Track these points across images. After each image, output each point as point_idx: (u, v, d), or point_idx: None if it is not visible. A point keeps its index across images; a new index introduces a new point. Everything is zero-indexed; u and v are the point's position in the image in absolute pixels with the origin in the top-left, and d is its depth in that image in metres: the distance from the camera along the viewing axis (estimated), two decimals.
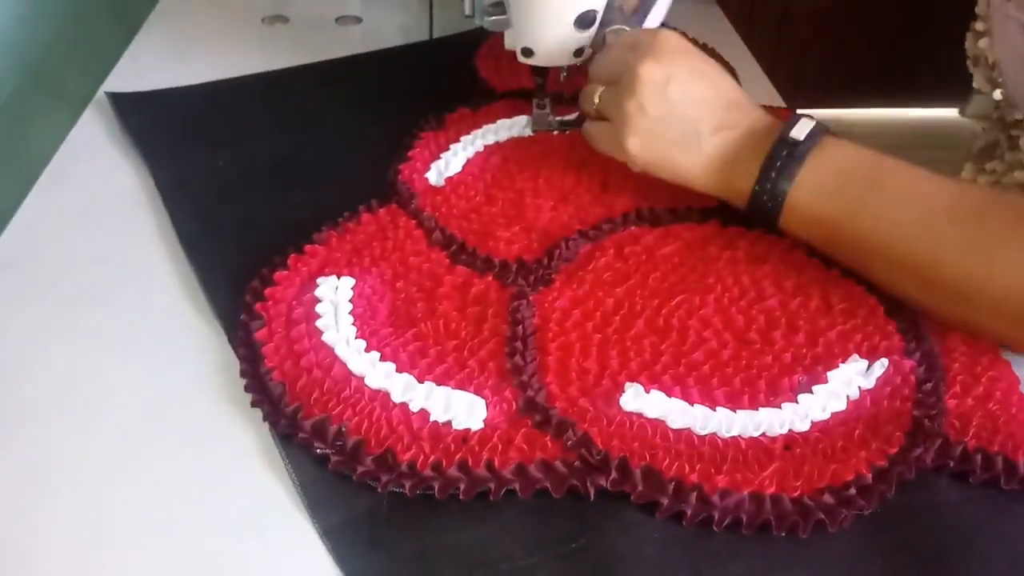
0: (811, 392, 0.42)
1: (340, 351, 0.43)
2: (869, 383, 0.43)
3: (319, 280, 0.47)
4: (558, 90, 0.60)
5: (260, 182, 0.57)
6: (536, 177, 0.56)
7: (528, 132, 0.61)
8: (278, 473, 0.40)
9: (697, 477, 0.38)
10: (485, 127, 0.60)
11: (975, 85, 0.63)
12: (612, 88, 0.51)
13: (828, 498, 0.38)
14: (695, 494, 0.38)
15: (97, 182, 0.58)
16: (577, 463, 0.39)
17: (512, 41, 0.57)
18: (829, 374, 0.43)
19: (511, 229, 0.52)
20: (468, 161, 0.58)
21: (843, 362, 0.44)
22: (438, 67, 0.69)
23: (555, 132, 0.60)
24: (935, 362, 0.43)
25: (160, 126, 0.62)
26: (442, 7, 0.80)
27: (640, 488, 0.38)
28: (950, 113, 0.71)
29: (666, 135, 0.49)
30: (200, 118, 0.63)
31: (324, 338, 0.44)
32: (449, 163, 0.57)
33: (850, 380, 0.43)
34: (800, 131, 0.46)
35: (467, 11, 0.60)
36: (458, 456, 0.39)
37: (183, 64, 0.70)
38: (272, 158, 0.60)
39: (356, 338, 0.44)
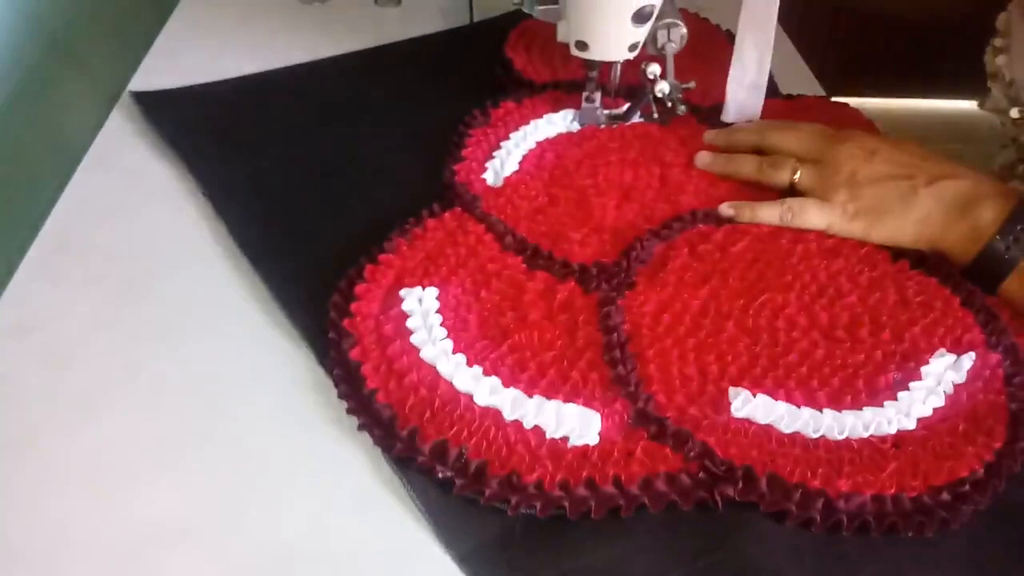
0: (908, 389, 0.43)
1: (442, 368, 0.42)
2: (960, 377, 0.44)
3: (402, 293, 0.46)
4: (604, 82, 0.59)
5: (309, 184, 0.55)
6: (595, 174, 0.55)
7: (576, 126, 0.59)
8: (397, 496, 0.39)
9: (820, 482, 0.39)
10: (533, 122, 0.59)
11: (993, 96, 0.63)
12: (812, 165, 0.51)
13: (946, 496, 0.39)
14: (821, 500, 0.38)
15: (139, 169, 0.56)
16: (701, 474, 0.39)
17: (565, 33, 0.56)
18: (923, 370, 0.44)
19: (581, 230, 0.51)
20: (523, 158, 0.56)
21: (931, 357, 0.45)
22: (478, 55, 0.67)
23: (603, 126, 0.59)
24: (1018, 354, 0.45)
25: (194, 126, 0.59)
26: None
27: (767, 497, 0.38)
28: (971, 105, 0.72)
29: (879, 199, 0.49)
30: (235, 116, 0.60)
31: (423, 355, 0.43)
32: (504, 163, 0.55)
33: (942, 375, 0.44)
34: None
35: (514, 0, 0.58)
36: (584, 473, 0.38)
37: (218, 48, 0.68)
38: (316, 157, 0.57)
39: (454, 352, 0.43)
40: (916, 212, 0.48)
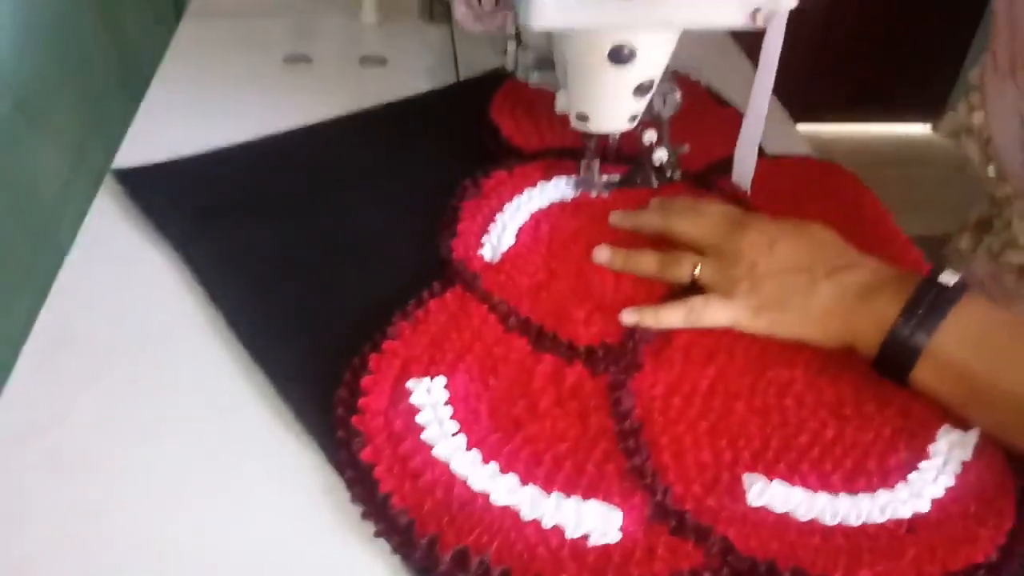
0: (918, 468, 0.43)
1: (457, 466, 0.41)
2: (967, 454, 0.44)
3: (410, 384, 0.45)
4: (603, 148, 0.59)
5: (301, 262, 0.54)
6: (590, 246, 0.55)
7: (570, 194, 0.59)
8: None
9: (842, 574, 0.39)
10: (527, 191, 0.59)
11: (968, 154, 0.64)
12: (712, 259, 0.50)
13: None
14: None
15: (130, 255, 0.54)
16: (725, 570, 0.39)
17: (565, 104, 0.56)
18: (930, 448, 0.44)
19: (584, 308, 0.51)
20: (519, 230, 0.56)
21: (938, 432, 0.45)
22: (466, 114, 0.67)
23: (601, 194, 0.59)
24: None
25: (180, 203, 0.57)
26: (465, 43, 0.78)
27: None
28: (925, 129, 0.73)
29: (780, 292, 0.48)
30: (221, 189, 0.59)
31: (435, 453, 0.42)
32: (501, 237, 0.55)
33: (950, 452, 0.44)
34: (948, 278, 0.44)
35: (509, 67, 0.59)
36: (607, 575, 0.38)
37: (203, 116, 0.67)
38: (306, 231, 0.56)
39: (468, 449, 0.42)
40: (817, 306, 0.47)
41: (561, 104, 0.56)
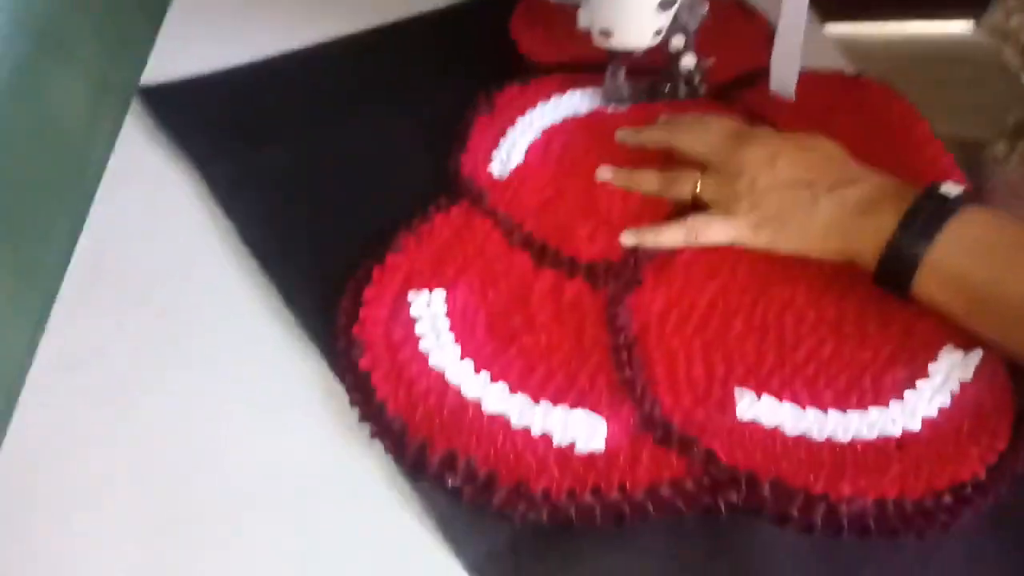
0: (915, 387, 0.43)
1: (451, 375, 0.43)
2: (967, 375, 0.44)
3: (410, 297, 0.46)
4: (626, 63, 0.58)
5: (315, 180, 0.55)
6: (601, 163, 0.54)
7: (583, 110, 0.59)
8: (409, 503, 0.40)
9: (823, 487, 0.39)
10: (540, 106, 0.58)
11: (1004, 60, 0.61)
12: (712, 175, 0.50)
13: (947, 498, 0.39)
14: (823, 504, 0.39)
15: (161, 176, 0.56)
16: (706, 479, 0.40)
17: (587, 20, 0.55)
18: (930, 367, 0.44)
19: (588, 224, 0.51)
20: (529, 147, 0.56)
21: (939, 352, 0.45)
22: (484, 32, 0.66)
23: (619, 108, 0.59)
24: None
25: (200, 120, 0.58)
26: None
27: (770, 503, 0.39)
28: (966, 27, 0.69)
29: (780, 207, 0.47)
30: (240, 108, 0.60)
31: (431, 362, 0.43)
32: (510, 153, 0.55)
33: (950, 372, 0.44)
34: (950, 189, 0.44)
35: None
36: (590, 481, 0.39)
37: (222, 33, 0.67)
38: (320, 149, 0.57)
39: (462, 358, 0.43)
40: (818, 221, 0.46)
41: (584, 20, 0.55)
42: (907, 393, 0.43)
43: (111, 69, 0.63)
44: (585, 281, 0.48)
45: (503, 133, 0.57)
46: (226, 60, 0.64)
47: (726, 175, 0.49)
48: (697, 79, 0.59)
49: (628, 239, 0.49)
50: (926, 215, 0.43)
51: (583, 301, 0.47)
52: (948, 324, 0.45)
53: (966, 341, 0.45)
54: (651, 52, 0.57)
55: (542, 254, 0.49)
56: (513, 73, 0.62)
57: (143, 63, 0.64)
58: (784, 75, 0.57)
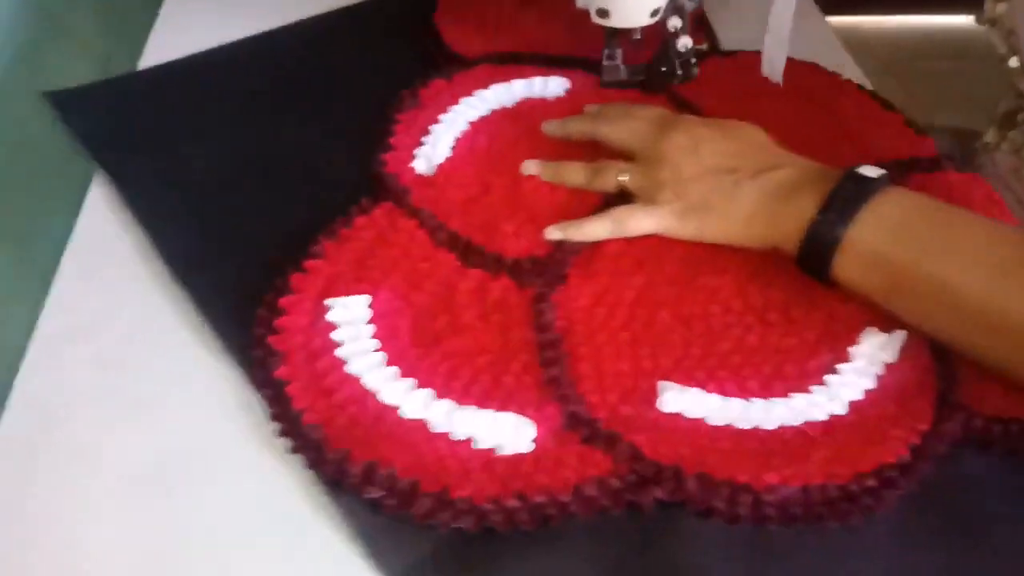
0: (837, 372, 0.43)
1: (371, 382, 0.42)
2: (891, 356, 0.44)
3: (329, 303, 0.45)
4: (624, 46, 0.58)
5: (234, 182, 0.54)
6: (528, 156, 0.54)
7: (510, 102, 0.58)
8: (328, 519, 0.39)
9: (747, 476, 0.39)
10: (465, 101, 0.57)
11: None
12: (636, 165, 0.49)
13: (872, 481, 0.39)
14: (748, 495, 0.39)
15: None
16: (631, 476, 0.39)
17: (585, 0, 0.54)
18: (852, 350, 0.44)
19: (514, 221, 0.50)
20: (455, 142, 0.55)
21: (861, 336, 0.45)
22: (404, 26, 0.65)
23: (624, 85, 0.59)
24: None
25: (111, 123, 0.57)
26: None
27: (695, 495, 0.39)
28: (969, 20, 0.69)
29: (704, 195, 0.47)
30: (154, 109, 0.58)
31: (350, 369, 0.42)
32: (435, 148, 0.54)
33: (874, 355, 0.44)
34: (870, 171, 0.44)
35: None
36: (514, 485, 0.39)
37: (225, 11, 0.67)
38: (238, 152, 0.56)
39: (385, 365, 0.43)
40: (742, 207, 0.46)
41: (581, 0, 0.54)
42: (830, 379, 0.43)
43: (113, 50, 0.63)
44: (511, 279, 0.47)
45: (428, 129, 0.56)
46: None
47: (649, 164, 0.49)
48: (693, 60, 0.59)
49: (553, 234, 0.49)
50: (845, 197, 0.43)
51: (509, 300, 0.46)
52: (871, 307, 0.46)
53: (888, 323, 0.45)
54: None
55: (467, 252, 0.48)
56: (439, 67, 0.61)
57: (143, 45, 0.65)
58: (774, 60, 0.57)
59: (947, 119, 0.57)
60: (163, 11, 0.68)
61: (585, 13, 0.64)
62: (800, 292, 0.46)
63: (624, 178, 0.50)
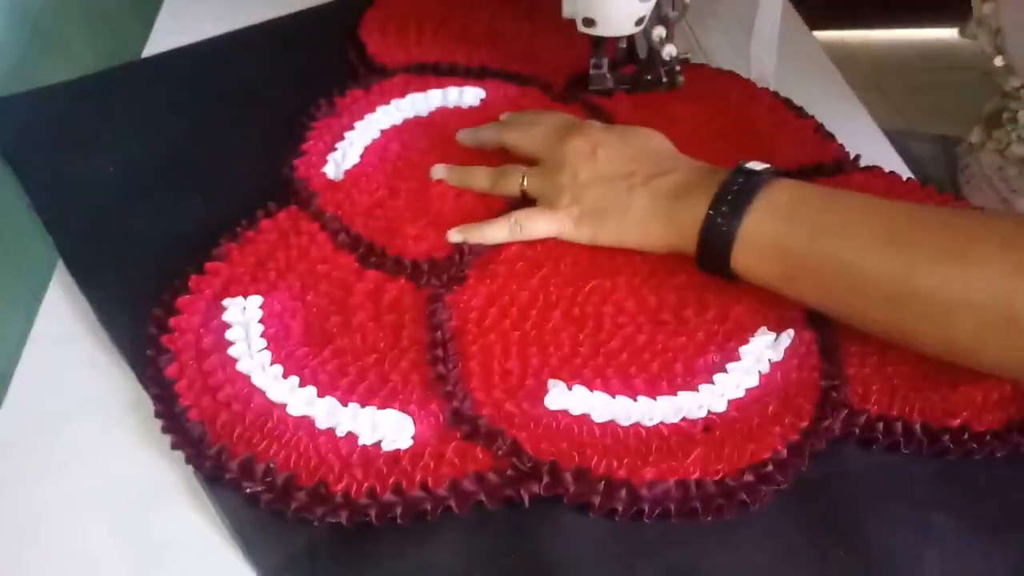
0: (725, 371, 0.44)
1: (257, 380, 0.42)
2: (777, 355, 0.44)
3: (225, 302, 0.45)
4: (609, 55, 0.59)
5: (147, 189, 0.54)
6: (438, 163, 0.54)
7: (425, 111, 0.59)
8: (208, 516, 0.39)
9: (625, 472, 0.40)
10: (381, 109, 0.58)
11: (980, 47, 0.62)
12: (538, 170, 0.50)
13: (749, 477, 0.40)
14: (624, 489, 0.39)
15: None
16: (510, 471, 0.40)
17: (571, 9, 0.55)
18: (741, 350, 0.45)
19: (418, 224, 0.51)
20: (366, 149, 0.56)
21: (752, 336, 0.45)
22: (327, 39, 0.66)
23: (610, 93, 0.60)
24: (832, 329, 0.45)
25: (26, 130, 0.57)
26: None
27: (572, 490, 0.39)
28: (952, 33, 0.71)
29: (600, 200, 0.48)
30: (71, 118, 0.59)
31: (239, 367, 0.43)
32: (346, 154, 0.55)
33: (761, 354, 0.44)
34: (756, 165, 0.45)
35: None
36: (391, 479, 0.39)
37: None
38: (156, 160, 0.56)
39: (272, 364, 0.43)
40: (634, 212, 0.47)
41: (568, 10, 0.56)
42: (717, 377, 0.43)
43: (104, 63, 0.64)
44: (409, 280, 0.48)
45: (341, 136, 0.56)
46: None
47: (549, 169, 0.50)
48: (678, 68, 0.60)
49: (454, 236, 0.49)
50: (735, 191, 0.44)
51: (404, 300, 0.47)
52: (763, 308, 0.46)
53: (779, 323, 0.46)
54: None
55: (368, 255, 0.49)
56: (359, 77, 0.62)
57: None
58: (763, 66, 0.59)
59: (931, 128, 0.58)
60: (155, 29, 0.69)
61: (500, 27, 0.66)
62: (694, 293, 0.47)
63: (526, 182, 0.50)
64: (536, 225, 0.49)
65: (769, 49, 0.58)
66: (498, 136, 0.54)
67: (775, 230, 0.43)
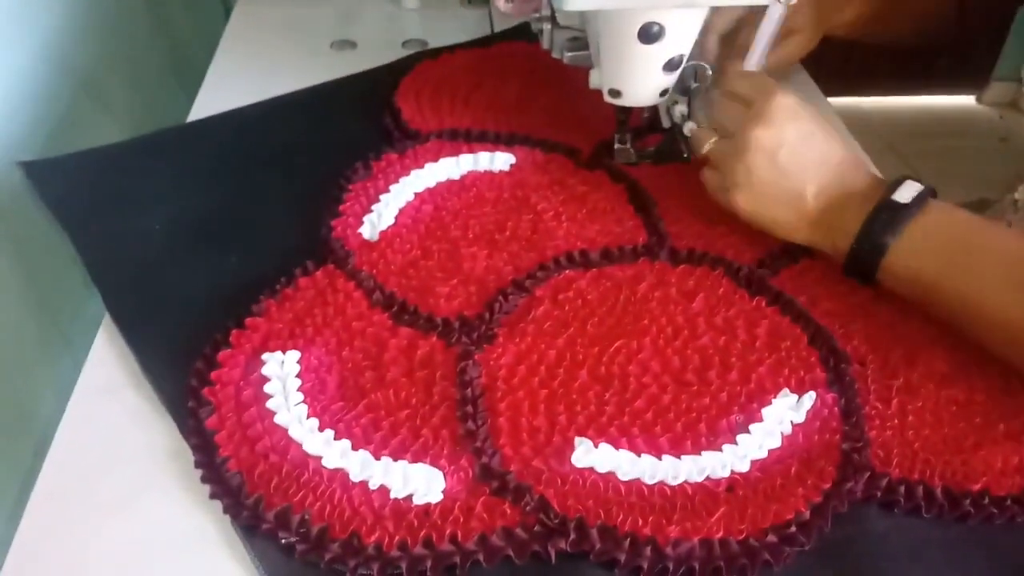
0: (748, 431, 0.45)
1: (294, 432, 0.44)
2: (800, 417, 0.45)
3: (264, 357, 0.47)
4: (635, 124, 0.63)
5: (190, 247, 0.57)
6: (467, 225, 0.57)
7: (456, 175, 0.61)
8: (244, 565, 0.40)
9: (650, 529, 0.40)
10: (414, 173, 0.61)
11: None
12: (725, 142, 0.54)
13: (772, 537, 0.40)
14: (649, 547, 0.40)
15: None
16: (537, 527, 0.41)
17: (598, 81, 0.59)
18: (764, 411, 0.46)
19: (449, 283, 0.53)
20: (400, 211, 0.58)
21: (775, 397, 0.46)
22: (365, 105, 0.69)
23: (634, 164, 0.63)
24: (853, 392, 0.46)
25: (77, 190, 0.60)
26: (503, 24, 0.82)
27: (598, 546, 0.40)
28: (968, 100, 0.73)
29: (772, 194, 0.53)
30: (120, 178, 0.62)
31: (277, 420, 0.44)
32: (381, 215, 0.57)
33: (783, 416, 0.45)
34: (904, 194, 0.49)
35: (545, 45, 0.62)
36: (422, 533, 0.40)
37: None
38: (200, 219, 0.59)
39: (308, 417, 0.44)
40: (801, 215, 0.52)
41: (594, 81, 0.59)
42: (740, 437, 0.44)
43: (148, 126, 0.67)
44: (440, 338, 0.49)
45: (377, 198, 0.59)
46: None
47: (734, 148, 0.54)
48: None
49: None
50: (893, 211, 0.48)
51: (435, 357, 0.48)
52: (785, 370, 0.48)
53: (801, 385, 0.47)
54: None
55: (401, 313, 0.51)
56: (395, 142, 0.65)
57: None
58: None
59: (949, 193, 0.61)
60: (199, 99, 0.73)
61: (529, 95, 0.69)
62: (717, 355, 0.48)
63: (707, 148, 0.56)
64: (708, 187, 0.56)
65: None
66: (717, 105, 0.57)
67: (913, 263, 0.48)
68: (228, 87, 0.74)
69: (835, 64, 0.75)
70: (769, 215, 0.53)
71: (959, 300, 0.47)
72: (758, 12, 0.56)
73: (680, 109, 0.60)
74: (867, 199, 0.50)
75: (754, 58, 0.58)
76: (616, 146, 0.63)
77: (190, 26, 0.98)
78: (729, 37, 0.62)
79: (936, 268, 0.47)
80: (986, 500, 0.42)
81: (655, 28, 0.52)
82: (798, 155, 0.52)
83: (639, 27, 0.52)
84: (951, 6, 0.74)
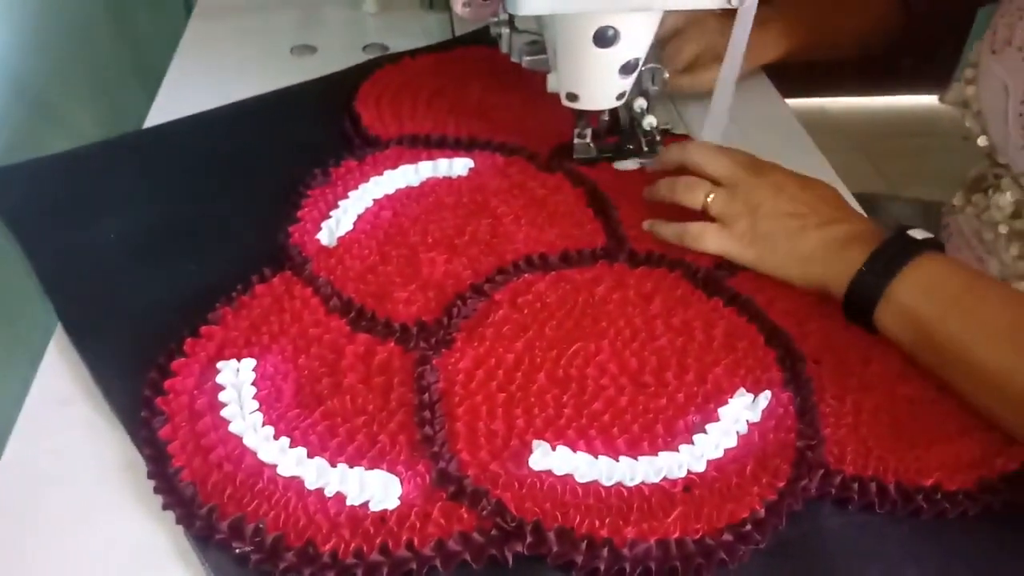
0: (705, 432, 0.45)
1: (248, 441, 0.43)
2: (756, 416, 0.46)
3: (219, 365, 0.47)
4: (593, 125, 0.63)
5: (146, 254, 0.56)
6: (427, 230, 0.57)
7: (416, 181, 0.61)
8: (196, 574, 0.40)
9: (607, 531, 0.40)
10: (373, 179, 0.60)
11: (967, 124, 0.66)
12: (724, 192, 0.54)
13: (727, 536, 0.41)
14: (606, 549, 0.40)
15: None
16: (494, 531, 0.41)
17: (556, 85, 0.59)
18: (720, 411, 0.46)
19: (408, 288, 0.52)
20: (359, 217, 0.58)
21: (731, 397, 0.47)
22: (324, 111, 0.69)
23: (594, 161, 0.63)
24: (808, 391, 0.47)
25: (31, 200, 0.59)
26: (463, 29, 0.81)
27: (555, 549, 0.40)
28: (933, 100, 0.74)
29: (775, 233, 0.53)
30: (74, 187, 0.61)
31: (231, 428, 0.44)
32: (340, 221, 0.57)
33: (739, 415, 0.46)
34: (917, 234, 0.49)
35: (503, 49, 0.62)
36: (378, 539, 0.40)
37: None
38: (156, 226, 0.58)
39: (263, 425, 0.44)
40: (801, 250, 0.52)
41: (552, 85, 0.59)
42: (697, 437, 0.45)
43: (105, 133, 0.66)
44: (398, 344, 0.49)
45: (336, 204, 0.58)
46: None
47: (735, 194, 0.54)
48: (658, 138, 0.63)
49: (644, 225, 0.57)
50: (891, 254, 0.48)
51: (393, 363, 0.48)
52: (742, 370, 0.48)
53: (757, 385, 0.47)
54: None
55: (359, 318, 0.50)
56: (355, 148, 0.64)
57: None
58: (714, 131, 0.62)
59: (912, 191, 0.62)
60: (156, 103, 0.72)
61: (490, 98, 0.69)
62: (674, 356, 0.49)
63: (710, 199, 0.55)
64: (709, 239, 0.55)
65: (720, 122, 0.61)
66: (683, 155, 0.57)
67: (912, 302, 0.47)
68: (187, 91, 0.73)
69: (800, 66, 0.75)
70: (771, 256, 0.53)
71: (951, 345, 0.46)
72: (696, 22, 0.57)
73: (639, 103, 0.61)
74: (874, 232, 0.50)
75: (731, 65, 0.58)
76: (575, 142, 0.63)
77: (152, 26, 0.97)
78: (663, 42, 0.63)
79: (935, 308, 0.47)
80: (939, 495, 0.43)
81: (610, 32, 0.53)
82: (799, 196, 0.53)
83: (594, 31, 0.53)
84: (891, 18, 0.76)
